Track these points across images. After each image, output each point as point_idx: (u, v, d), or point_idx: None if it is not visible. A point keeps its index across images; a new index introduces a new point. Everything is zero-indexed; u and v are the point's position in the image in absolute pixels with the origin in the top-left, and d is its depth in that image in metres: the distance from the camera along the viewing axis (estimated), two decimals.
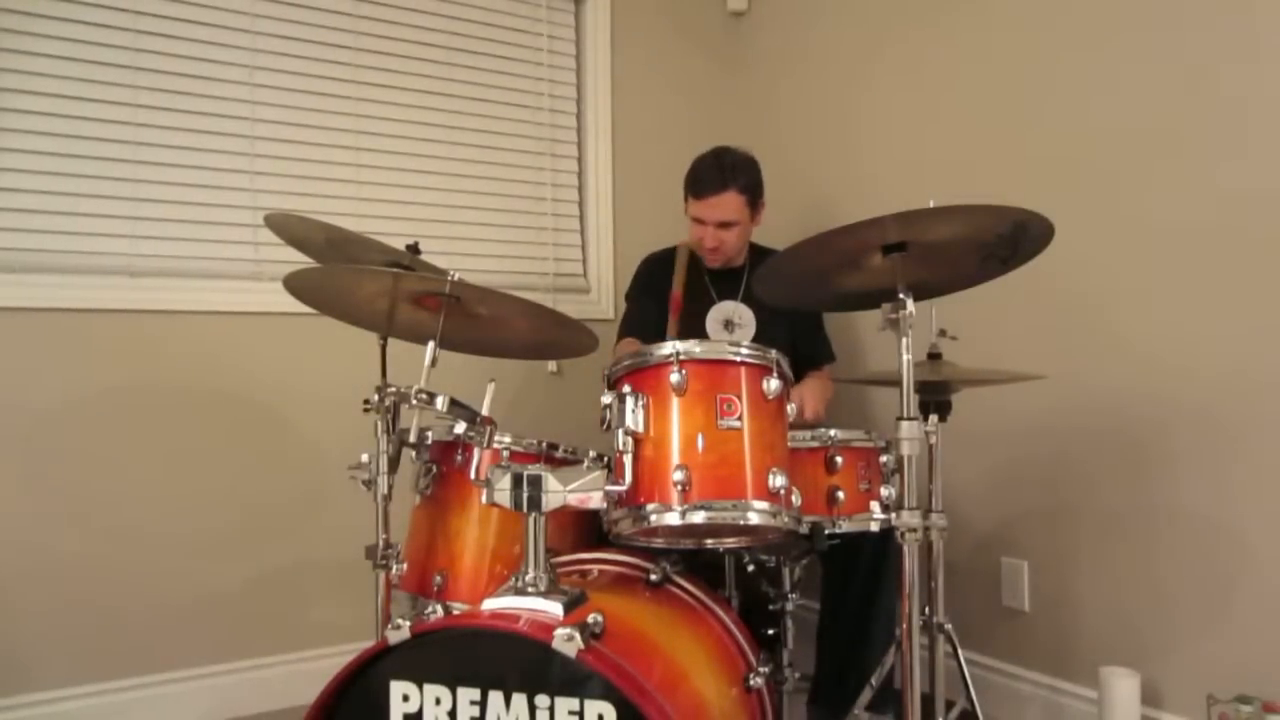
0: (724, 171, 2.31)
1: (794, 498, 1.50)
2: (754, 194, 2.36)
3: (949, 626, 1.77)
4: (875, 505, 1.72)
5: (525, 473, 1.42)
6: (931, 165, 2.51)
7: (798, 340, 2.40)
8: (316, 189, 2.55)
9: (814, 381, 2.38)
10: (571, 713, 1.22)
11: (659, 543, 1.62)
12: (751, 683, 1.61)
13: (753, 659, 1.66)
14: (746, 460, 1.45)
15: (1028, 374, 1.83)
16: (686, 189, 2.38)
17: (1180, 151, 1.94)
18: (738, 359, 1.50)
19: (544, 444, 1.75)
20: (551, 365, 2.84)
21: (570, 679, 1.22)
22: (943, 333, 1.78)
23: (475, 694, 1.26)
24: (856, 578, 2.04)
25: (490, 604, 1.38)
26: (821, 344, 2.52)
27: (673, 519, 1.42)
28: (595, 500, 1.44)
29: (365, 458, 1.71)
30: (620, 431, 1.45)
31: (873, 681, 1.79)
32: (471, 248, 2.80)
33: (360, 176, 2.63)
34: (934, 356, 1.77)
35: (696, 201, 2.34)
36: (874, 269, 1.52)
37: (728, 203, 2.31)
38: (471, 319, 1.73)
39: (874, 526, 1.71)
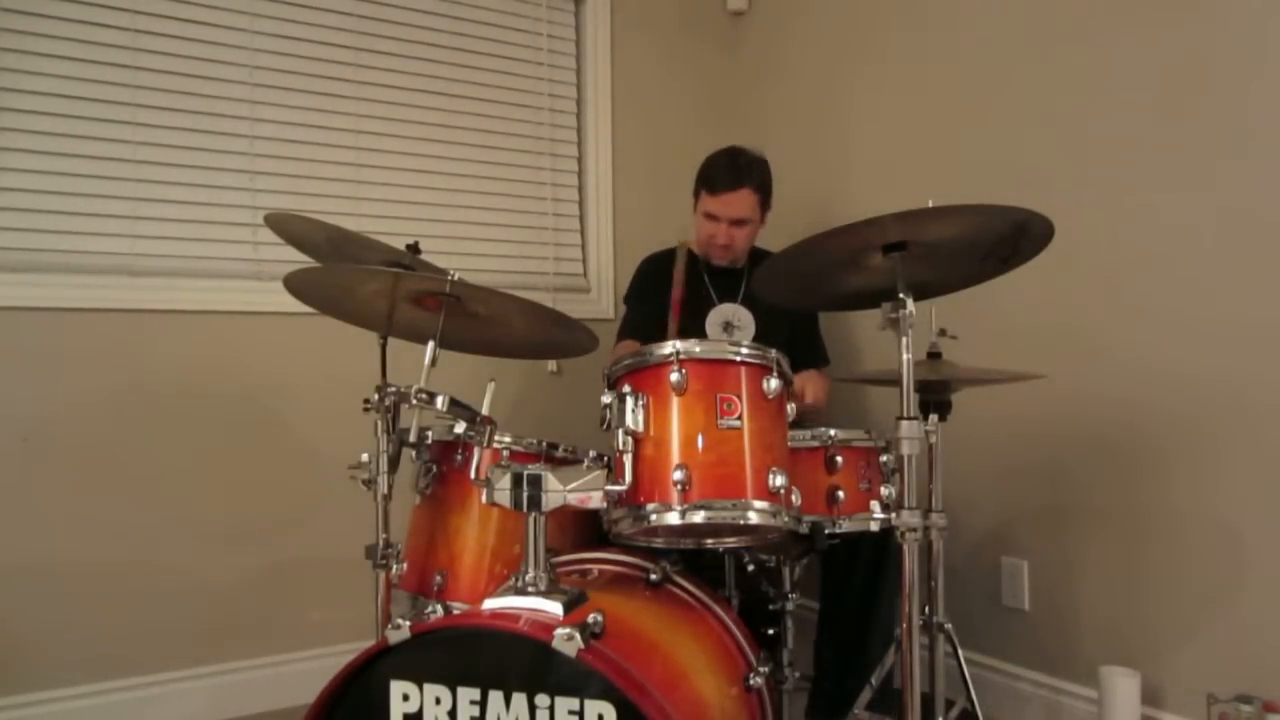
0: (740, 169, 2.33)
1: (794, 497, 1.50)
2: (766, 194, 2.38)
3: (949, 626, 1.77)
4: (875, 505, 1.72)
5: (525, 472, 1.42)
6: (932, 164, 2.51)
7: (795, 343, 2.40)
8: (316, 189, 2.55)
9: (814, 372, 2.39)
10: (571, 712, 1.22)
11: (659, 542, 1.62)
12: (751, 682, 1.61)
13: (753, 659, 1.66)
14: (746, 460, 1.46)
15: (1028, 374, 1.83)
16: (700, 185, 2.39)
17: (1180, 155, 1.94)
18: (738, 358, 1.50)
19: (544, 444, 1.75)
20: (551, 365, 2.84)
21: (570, 679, 1.22)
22: (943, 332, 1.78)
23: (475, 694, 1.26)
24: (856, 577, 2.03)
25: (490, 604, 1.38)
26: (818, 347, 2.53)
27: (673, 519, 1.42)
28: (595, 500, 1.44)
29: (365, 457, 1.71)
30: (620, 431, 1.45)
31: (873, 681, 1.79)
32: (471, 247, 2.80)
33: (360, 176, 2.63)
34: (934, 356, 1.77)
35: (711, 197, 2.35)
36: (874, 269, 1.52)
37: (743, 200, 2.33)
38: (471, 319, 1.73)
39: (874, 526, 1.71)
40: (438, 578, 1.75)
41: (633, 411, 1.46)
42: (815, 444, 1.71)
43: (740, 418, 1.46)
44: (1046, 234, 1.46)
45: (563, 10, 2.98)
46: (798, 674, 1.84)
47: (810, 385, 2.24)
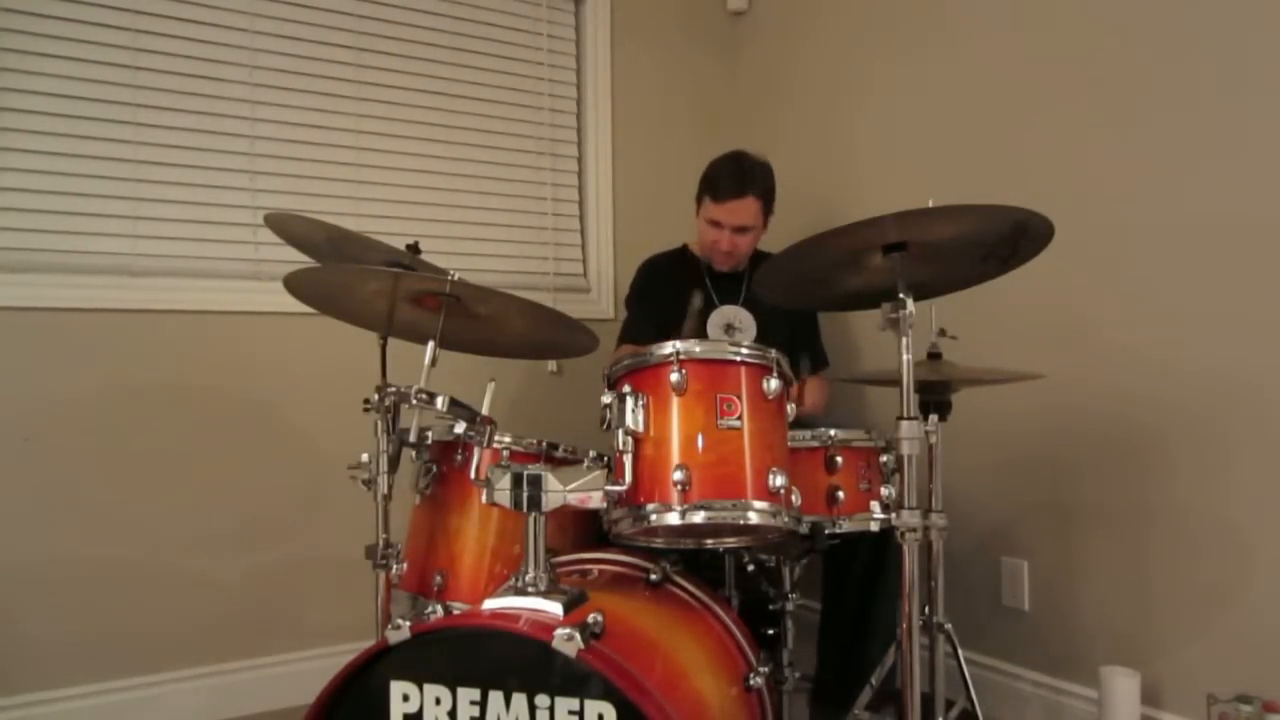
0: (744, 176, 2.33)
1: (794, 497, 1.50)
2: (769, 201, 2.39)
3: (949, 626, 1.77)
4: (875, 505, 1.72)
5: (525, 472, 1.42)
6: (932, 165, 2.51)
7: (796, 345, 2.40)
8: (316, 189, 2.55)
9: (809, 377, 2.38)
10: (571, 712, 1.22)
11: (659, 542, 1.62)
12: (751, 682, 1.61)
13: (753, 659, 1.66)
14: (746, 460, 1.46)
15: (1028, 374, 1.83)
16: (703, 191, 2.39)
17: (1178, 152, 1.94)
18: (738, 359, 1.50)
19: (544, 444, 1.75)
20: (551, 365, 2.84)
21: (570, 679, 1.22)
22: (943, 332, 1.78)
23: (475, 694, 1.26)
24: (856, 577, 2.03)
25: (490, 604, 1.38)
26: (818, 350, 2.52)
27: (673, 519, 1.42)
28: (595, 500, 1.44)
29: (365, 457, 1.71)
30: (620, 431, 1.45)
31: (873, 681, 1.79)
32: (471, 247, 2.80)
33: (360, 176, 2.63)
34: (934, 356, 1.77)
35: (715, 205, 2.35)
36: (874, 269, 1.52)
37: (747, 208, 2.33)
38: (471, 319, 1.73)
39: (874, 526, 1.71)
40: (438, 578, 1.75)
41: (633, 411, 1.46)
42: (815, 444, 1.71)
43: (740, 418, 1.46)
44: (1046, 234, 1.46)
45: (563, 10, 2.98)
46: (798, 674, 1.84)
47: (808, 391, 2.23)
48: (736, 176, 2.33)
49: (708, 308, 2.40)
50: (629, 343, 2.44)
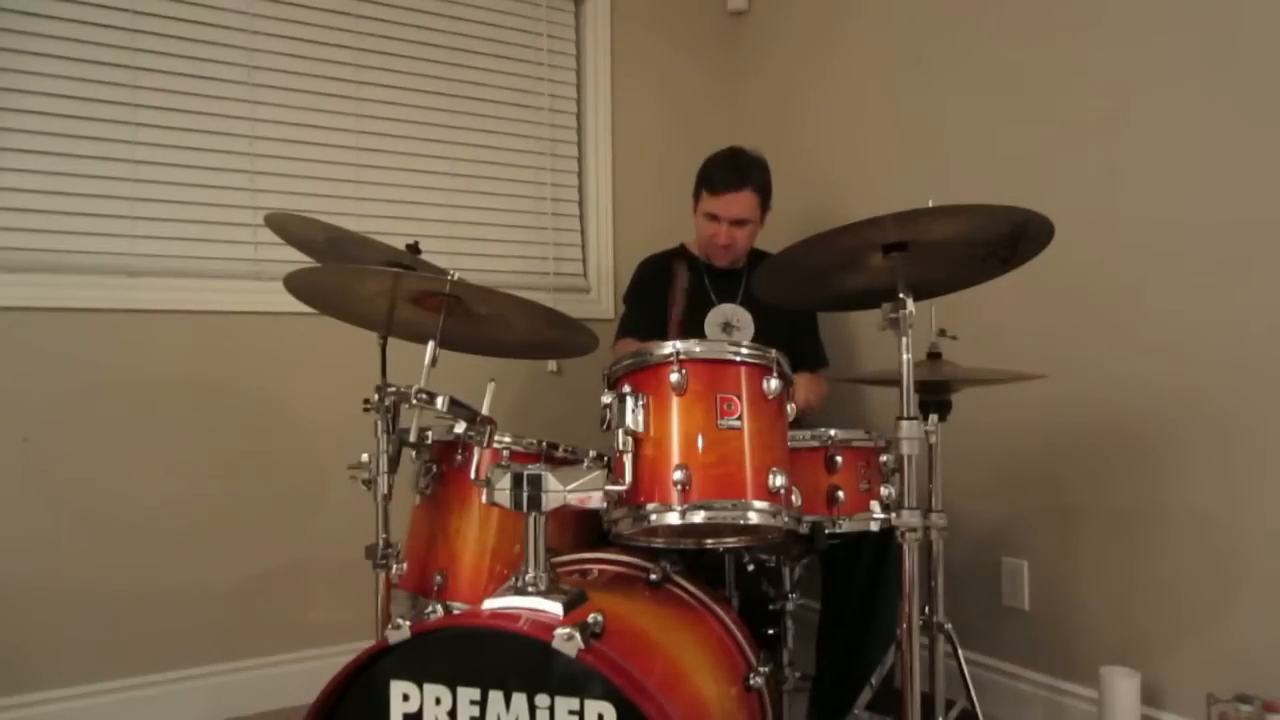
0: (741, 169, 2.35)
1: (794, 497, 1.50)
2: (766, 195, 2.39)
3: (949, 626, 1.77)
4: (875, 505, 1.72)
5: (525, 472, 1.42)
6: (934, 164, 2.51)
7: (794, 344, 2.40)
8: (316, 189, 2.55)
9: (806, 374, 2.39)
10: (571, 712, 1.22)
11: (659, 542, 1.62)
12: (751, 682, 1.61)
13: (753, 659, 1.66)
14: (746, 460, 1.45)
15: (1028, 374, 1.83)
16: (700, 185, 2.40)
17: (1179, 143, 1.94)
18: (738, 359, 1.50)
19: (544, 444, 1.75)
20: (551, 365, 2.84)
21: (570, 679, 1.22)
22: (943, 332, 1.78)
23: (475, 694, 1.26)
24: (857, 577, 2.03)
25: (490, 604, 1.38)
26: (816, 349, 2.53)
27: (673, 519, 1.42)
28: (595, 500, 1.44)
29: (365, 457, 1.71)
30: (620, 431, 1.45)
31: (873, 681, 1.79)
32: (472, 247, 2.80)
33: (360, 176, 2.63)
34: (934, 356, 1.77)
35: (712, 198, 2.36)
36: (874, 269, 1.52)
37: (744, 200, 2.34)
38: (471, 318, 1.73)
39: (874, 526, 1.71)
40: (438, 578, 1.75)
41: (633, 411, 1.46)
42: (815, 444, 1.71)
43: (740, 418, 1.46)
44: (1046, 234, 1.46)
45: (563, 10, 2.98)
46: (798, 674, 1.84)
47: (801, 388, 2.23)
48: (733, 169, 2.35)
49: (699, 295, 2.41)
50: (626, 338, 2.45)
